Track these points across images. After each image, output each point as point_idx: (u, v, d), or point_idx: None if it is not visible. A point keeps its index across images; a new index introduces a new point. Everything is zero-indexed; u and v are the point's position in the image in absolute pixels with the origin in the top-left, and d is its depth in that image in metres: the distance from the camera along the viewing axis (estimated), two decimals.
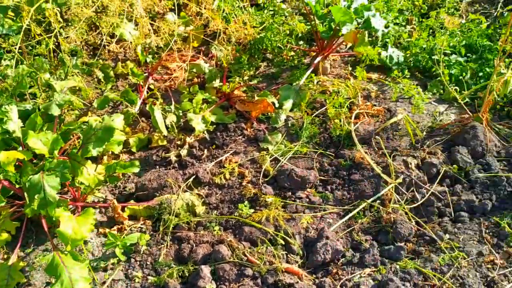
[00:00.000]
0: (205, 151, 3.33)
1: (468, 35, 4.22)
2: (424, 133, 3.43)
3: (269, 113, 3.57)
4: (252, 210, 2.87)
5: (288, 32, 4.20)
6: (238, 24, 4.05)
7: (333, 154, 3.28)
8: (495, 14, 4.76)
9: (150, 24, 3.59)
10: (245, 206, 2.89)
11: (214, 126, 3.46)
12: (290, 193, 3.01)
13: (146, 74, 3.87)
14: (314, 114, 3.57)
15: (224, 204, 2.97)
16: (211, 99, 3.60)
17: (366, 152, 3.20)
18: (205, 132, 3.40)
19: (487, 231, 2.72)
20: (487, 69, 3.88)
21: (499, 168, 3.06)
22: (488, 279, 2.45)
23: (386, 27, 4.31)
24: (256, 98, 3.47)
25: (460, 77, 3.87)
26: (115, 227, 2.87)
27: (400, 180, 2.97)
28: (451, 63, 3.98)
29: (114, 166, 2.83)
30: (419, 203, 2.90)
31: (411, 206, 2.89)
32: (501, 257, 2.56)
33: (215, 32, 3.94)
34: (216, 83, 3.75)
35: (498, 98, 3.62)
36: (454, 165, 3.10)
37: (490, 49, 4.08)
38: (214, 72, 3.76)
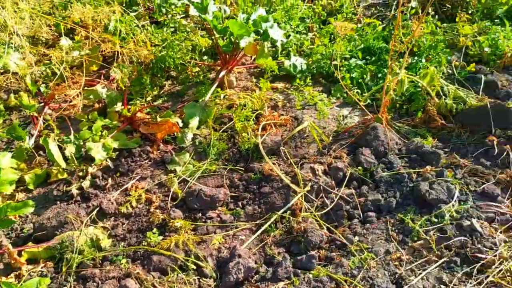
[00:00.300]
0: (109, 180, 3.17)
1: (365, 39, 4.38)
2: (330, 138, 3.49)
3: (175, 133, 3.48)
4: (161, 237, 2.76)
5: (191, 48, 4.14)
6: (138, 43, 3.93)
7: (243, 169, 3.25)
8: (389, 16, 4.99)
9: (41, 51, 3.38)
10: (153, 233, 2.77)
11: (117, 152, 3.31)
12: (200, 214, 2.92)
13: (42, 104, 3.64)
14: (222, 130, 3.53)
15: (132, 234, 2.84)
16: (112, 124, 3.45)
17: (274, 163, 3.20)
18: (108, 160, 3.24)
19: (393, 228, 2.79)
20: (385, 70, 4.04)
21: (401, 165, 3.17)
22: (396, 276, 2.50)
23: (287, 36, 4.37)
24: (159, 119, 3.36)
25: (361, 80, 3.99)
26: (12, 275, 2.63)
27: (308, 188, 2.98)
28: (352, 67, 4.10)
29: (4, 209, 2.60)
30: (328, 208, 2.92)
31: (322, 213, 2.91)
32: (407, 253, 2.64)
33: (115, 54, 3.80)
34: (118, 107, 3.61)
35: (396, 97, 3.78)
36: (359, 167, 3.16)
37: (387, 50, 4.25)
38: (115, 96, 3.61)
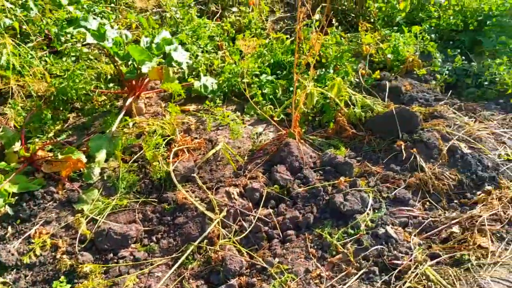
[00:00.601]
0: (9, 228, 2.89)
1: (274, 54, 4.40)
2: (246, 157, 3.44)
3: (81, 169, 3.26)
4: (69, 286, 2.55)
5: (95, 76, 3.94)
6: (36, 76, 3.68)
7: (156, 200, 3.10)
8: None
9: None
10: (60, 282, 2.55)
11: (17, 197, 3.04)
12: (112, 255, 2.73)
13: None
14: (132, 160, 3.36)
15: (37, 286, 2.59)
16: (10, 167, 3.17)
17: (188, 191, 3.08)
18: (6, 206, 2.96)
19: (312, 245, 2.76)
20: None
21: (316, 179, 3.16)
22: None
23: (196, 56, 4.30)
24: (60, 156, 3.14)
25: (272, 96, 3.99)
26: None
27: (224, 213, 2.89)
28: (263, 83, 4.08)
29: None
30: (247, 231, 2.84)
31: (240, 237, 2.82)
32: (326, 269, 2.61)
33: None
34: (16, 147, 3.33)
35: (308, 110, 3.80)
36: (276, 185, 3.12)
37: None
38: (12, 135, 3.34)
